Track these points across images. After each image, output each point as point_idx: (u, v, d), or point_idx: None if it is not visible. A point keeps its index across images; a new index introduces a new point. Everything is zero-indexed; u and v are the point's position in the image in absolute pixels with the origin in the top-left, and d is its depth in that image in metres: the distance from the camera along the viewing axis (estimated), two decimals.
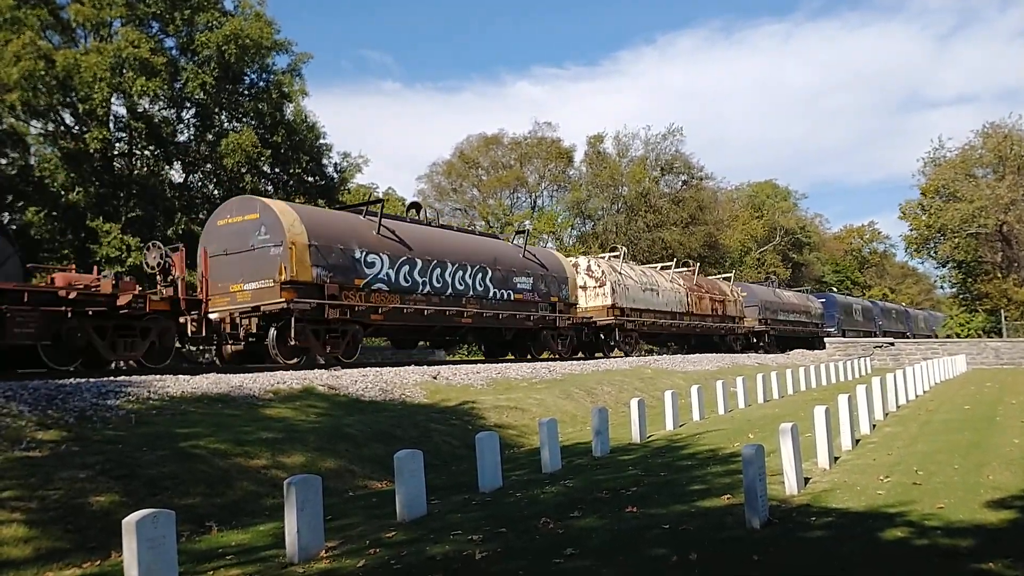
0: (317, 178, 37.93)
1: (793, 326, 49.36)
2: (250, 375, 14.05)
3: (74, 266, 20.91)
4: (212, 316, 17.06)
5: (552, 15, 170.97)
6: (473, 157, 65.87)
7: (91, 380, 11.79)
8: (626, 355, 30.94)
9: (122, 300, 14.55)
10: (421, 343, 28.13)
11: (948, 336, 64.64)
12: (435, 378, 16.69)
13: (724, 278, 45.99)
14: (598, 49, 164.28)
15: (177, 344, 16.71)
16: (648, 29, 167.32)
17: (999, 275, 56.38)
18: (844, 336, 54.57)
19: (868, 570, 5.30)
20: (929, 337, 67.76)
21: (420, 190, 67.06)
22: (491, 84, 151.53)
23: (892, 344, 39.69)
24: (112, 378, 12.59)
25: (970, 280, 58.83)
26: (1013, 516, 6.52)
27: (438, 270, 21.49)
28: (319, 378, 14.56)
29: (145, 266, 17.00)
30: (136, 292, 15.06)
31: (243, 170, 33.41)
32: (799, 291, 56.70)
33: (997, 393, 19.13)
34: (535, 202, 66.49)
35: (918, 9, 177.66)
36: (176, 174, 35.70)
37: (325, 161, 38.57)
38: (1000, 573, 5.09)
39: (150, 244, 17.07)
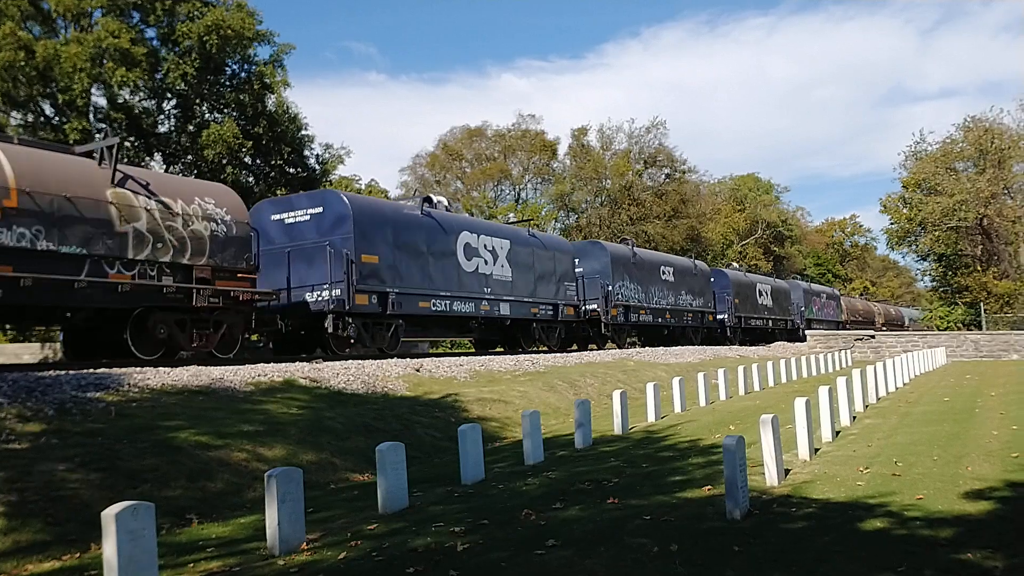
0: (299, 170, 37.72)
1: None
2: (231, 367, 13.97)
3: None
4: None
5: (537, 7, 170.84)
6: (457, 149, 65.79)
7: (71, 372, 11.68)
8: None
9: None
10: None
11: (852, 327, 58.96)
12: (418, 371, 16.66)
13: None
14: (583, 42, 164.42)
15: None
16: (633, 22, 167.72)
17: (979, 268, 56.99)
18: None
19: (848, 560, 5.34)
20: (795, 330, 47.68)
21: (404, 182, 66.95)
22: (476, 76, 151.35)
23: (873, 337, 39.99)
24: (92, 370, 12.48)
25: (950, 273, 59.46)
26: (992, 507, 6.58)
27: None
28: (300, 371, 14.49)
29: None
30: None
31: (224, 161, 33.19)
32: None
33: (976, 385, 19.29)
34: (519, 195, 66.47)
35: (902, 3, 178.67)
36: (156, 165, 35.40)
37: (307, 152, 38.33)
38: (978, 563, 5.13)
39: None
